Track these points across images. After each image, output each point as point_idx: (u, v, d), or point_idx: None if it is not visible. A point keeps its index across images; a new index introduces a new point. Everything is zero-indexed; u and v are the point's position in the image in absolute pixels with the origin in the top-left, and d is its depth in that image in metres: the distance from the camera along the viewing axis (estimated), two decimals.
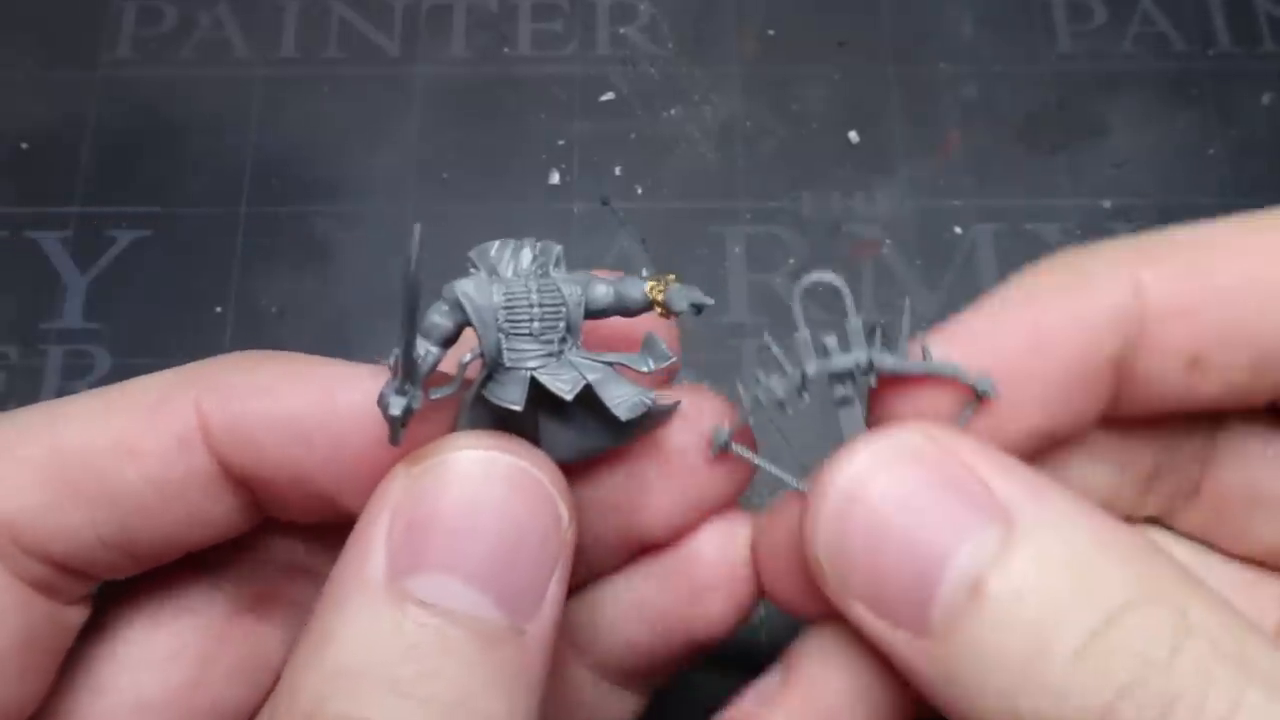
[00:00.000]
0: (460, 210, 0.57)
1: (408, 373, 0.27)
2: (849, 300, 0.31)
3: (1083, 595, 0.25)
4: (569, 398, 0.28)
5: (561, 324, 0.28)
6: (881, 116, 0.59)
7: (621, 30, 0.61)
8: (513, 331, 0.28)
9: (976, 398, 0.30)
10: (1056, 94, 0.59)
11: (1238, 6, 0.61)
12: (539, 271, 0.29)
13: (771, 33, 0.61)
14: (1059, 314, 0.29)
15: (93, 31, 0.61)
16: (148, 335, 0.54)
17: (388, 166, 0.58)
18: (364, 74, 0.60)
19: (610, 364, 0.29)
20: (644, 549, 0.34)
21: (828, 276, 0.31)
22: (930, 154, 0.58)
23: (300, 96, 0.59)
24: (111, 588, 0.33)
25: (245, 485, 0.30)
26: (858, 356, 0.30)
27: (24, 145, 0.58)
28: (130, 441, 0.29)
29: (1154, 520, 0.34)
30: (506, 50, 0.61)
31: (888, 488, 0.28)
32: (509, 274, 0.29)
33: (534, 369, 0.28)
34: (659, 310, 0.29)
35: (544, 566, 0.28)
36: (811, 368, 0.30)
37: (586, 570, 0.34)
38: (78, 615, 0.31)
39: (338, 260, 0.56)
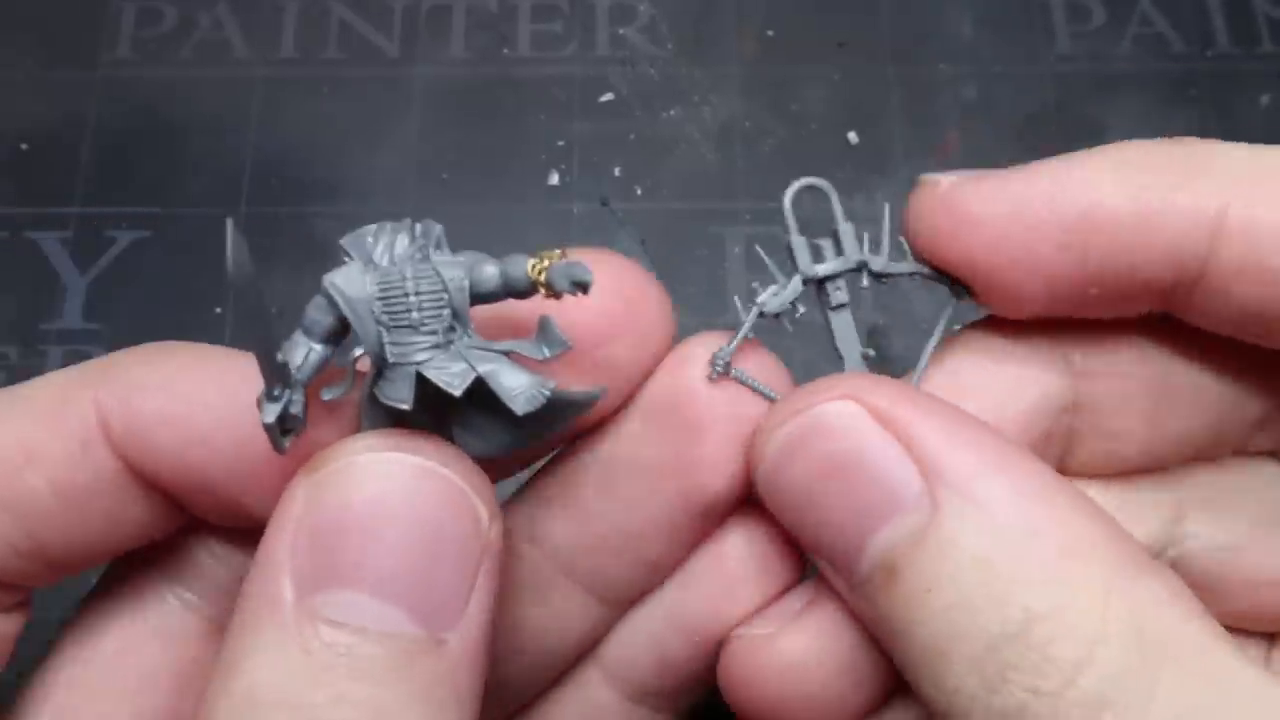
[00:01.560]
0: (460, 211, 0.57)
1: (271, 377, 0.25)
2: (837, 204, 0.31)
3: (989, 600, 0.24)
4: (457, 393, 0.25)
5: (446, 312, 0.26)
6: (881, 117, 0.59)
7: (621, 31, 0.61)
8: (393, 324, 0.26)
9: (955, 297, 0.31)
10: (1055, 95, 0.59)
11: (1237, 7, 0.61)
12: (417, 256, 0.26)
13: (771, 33, 0.61)
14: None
15: (93, 31, 0.61)
16: (148, 335, 0.53)
17: (388, 167, 0.58)
18: (364, 74, 0.60)
19: (505, 352, 0.26)
20: (711, 517, 0.32)
21: (815, 181, 0.31)
22: (930, 155, 0.58)
23: (300, 97, 0.59)
24: (80, 613, 0.31)
25: (156, 488, 0.29)
26: (852, 258, 0.30)
27: (24, 145, 0.58)
28: (31, 445, 0.27)
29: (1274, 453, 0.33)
30: (506, 51, 0.61)
31: (810, 462, 0.27)
32: (384, 261, 0.26)
33: (420, 363, 0.26)
34: (543, 292, 0.26)
35: (463, 571, 0.26)
36: (811, 271, 0.30)
37: (663, 554, 0.32)
38: (13, 625, 0.30)
39: (337, 261, 0.55)
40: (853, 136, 0.58)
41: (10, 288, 0.55)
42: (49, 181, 0.57)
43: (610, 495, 0.31)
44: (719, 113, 0.59)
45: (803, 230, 0.31)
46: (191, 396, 0.28)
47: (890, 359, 0.53)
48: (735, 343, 0.30)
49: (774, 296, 0.30)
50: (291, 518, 0.26)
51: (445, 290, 0.26)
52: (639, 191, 0.57)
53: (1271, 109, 0.59)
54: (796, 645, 0.30)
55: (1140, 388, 0.31)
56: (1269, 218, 0.27)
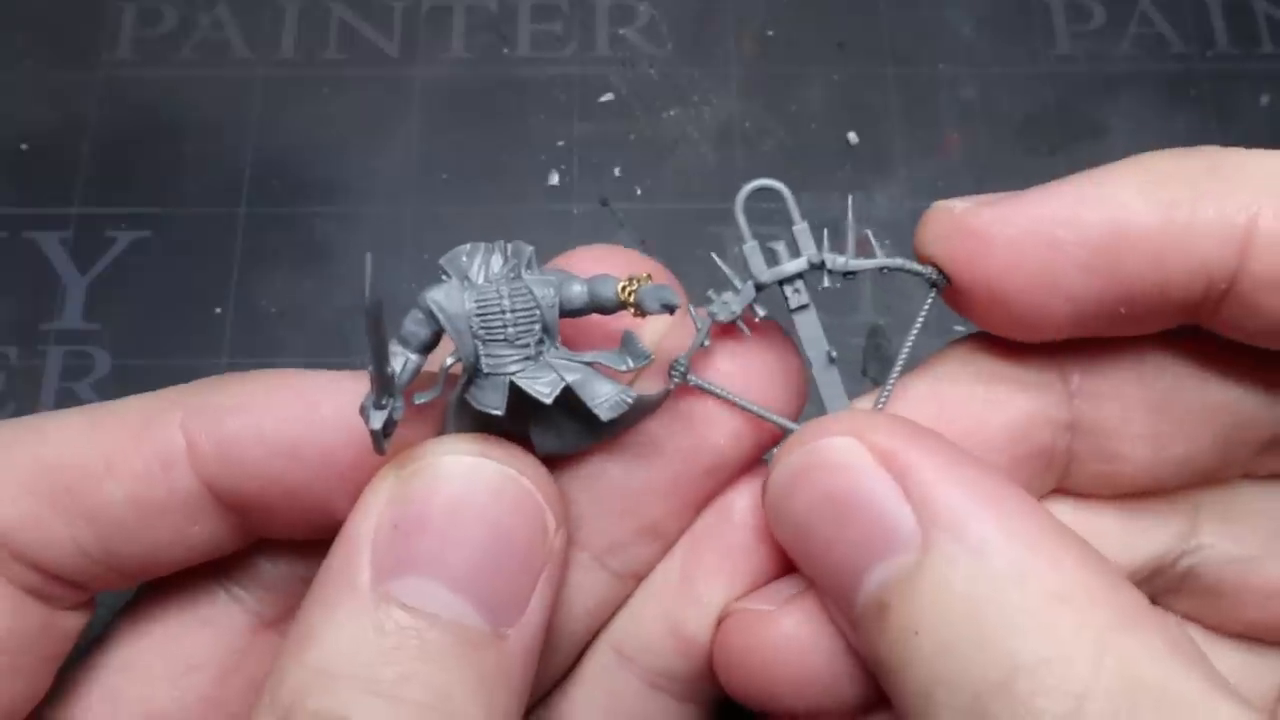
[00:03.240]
0: (460, 211, 0.57)
1: (382, 388, 0.27)
2: (792, 204, 0.31)
3: (975, 647, 0.24)
4: (548, 401, 0.28)
5: (537, 326, 0.28)
6: (881, 117, 0.59)
7: (621, 31, 0.61)
8: (488, 337, 0.28)
9: (931, 287, 0.30)
10: (1055, 95, 0.59)
11: (1237, 8, 0.61)
12: (510, 275, 0.29)
13: (771, 33, 0.61)
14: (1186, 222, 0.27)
15: (93, 31, 0.61)
16: (148, 335, 0.54)
17: (388, 167, 0.58)
18: (364, 74, 0.60)
19: (589, 363, 0.29)
20: (714, 478, 0.32)
21: (768, 182, 0.31)
22: (929, 155, 0.58)
23: (300, 97, 0.59)
24: (135, 598, 0.33)
25: (233, 506, 0.30)
26: (809, 257, 0.30)
27: (24, 145, 0.58)
28: (113, 460, 0.29)
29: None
30: (506, 51, 0.61)
31: (810, 496, 0.28)
32: (480, 279, 0.29)
33: (513, 373, 0.28)
34: (632, 311, 0.29)
35: (528, 573, 0.28)
36: (764, 275, 0.30)
37: (667, 517, 0.32)
38: (76, 621, 0.31)
39: (337, 261, 0.56)
40: (853, 136, 0.58)
41: (10, 288, 0.55)
42: (49, 181, 0.57)
43: (612, 455, 0.31)
44: (719, 113, 0.59)
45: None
46: (279, 412, 0.29)
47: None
48: (690, 353, 0.30)
49: (724, 304, 0.30)
50: (376, 507, 0.28)
51: (537, 307, 0.28)
52: (639, 191, 0.57)
53: (1271, 109, 0.59)
54: (797, 626, 0.30)
55: (1142, 410, 0.30)
56: None
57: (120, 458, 0.29)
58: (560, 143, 0.58)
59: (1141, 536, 0.32)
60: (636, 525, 0.32)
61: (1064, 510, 0.32)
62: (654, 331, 0.32)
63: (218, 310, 0.55)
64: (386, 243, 0.56)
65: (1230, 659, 0.33)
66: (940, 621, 0.24)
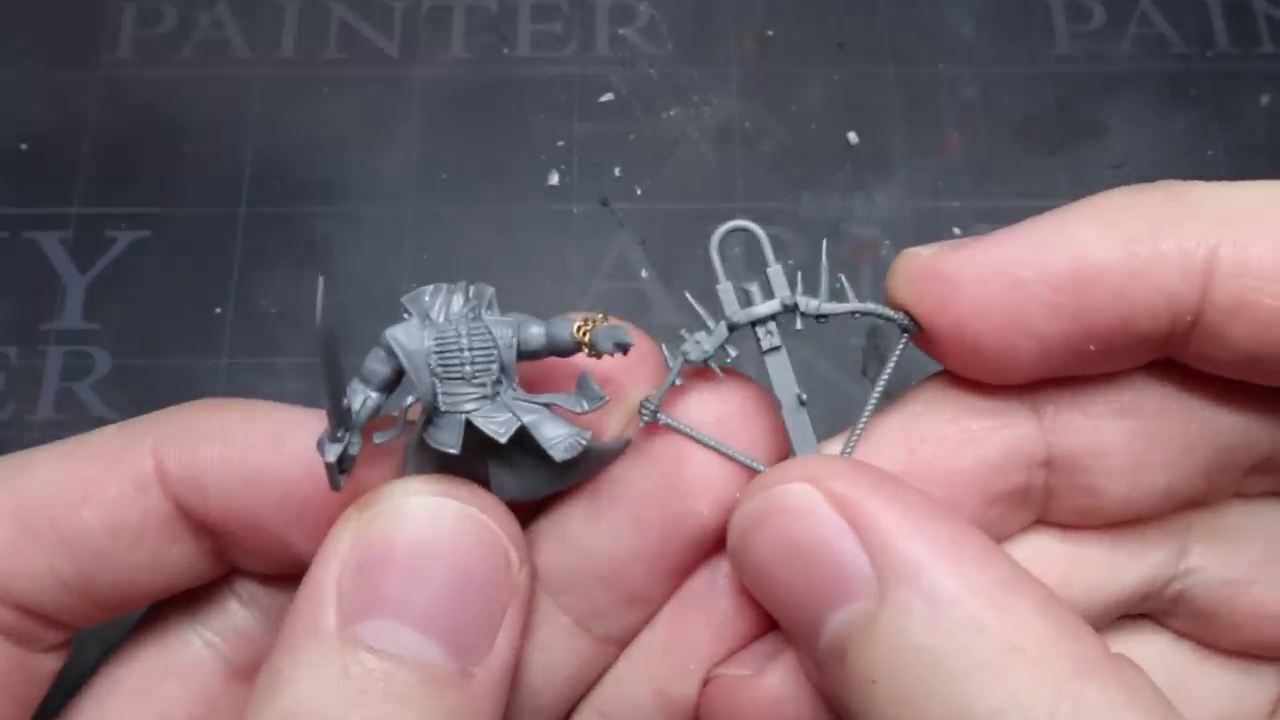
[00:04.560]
0: (460, 211, 0.57)
1: (337, 420, 0.27)
2: (767, 246, 0.31)
3: (929, 698, 0.24)
4: (503, 440, 0.28)
5: (495, 366, 0.29)
6: (881, 117, 0.59)
7: (621, 31, 0.61)
8: (446, 375, 0.28)
9: (903, 333, 0.30)
10: (1055, 95, 0.59)
11: (1237, 8, 0.61)
12: (470, 315, 0.29)
13: (771, 33, 0.61)
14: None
15: (93, 31, 0.61)
16: (147, 335, 0.54)
17: (388, 167, 0.58)
18: (364, 74, 0.60)
19: (546, 405, 0.29)
20: (698, 547, 0.32)
21: (743, 223, 0.31)
22: (929, 155, 0.58)
23: (300, 96, 0.59)
24: (107, 645, 0.33)
25: (204, 531, 0.30)
26: (782, 299, 0.30)
27: (24, 145, 0.58)
28: (88, 486, 0.29)
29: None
30: (506, 51, 0.61)
31: (770, 542, 0.28)
32: (441, 318, 0.29)
33: (469, 412, 0.28)
34: (586, 350, 0.29)
35: (493, 611, 0.28)
36: (737, 316, 0.30)
37: (651, 585, 0.32)
38: (51, 664, 0.31)
39: (337, 261, 0.56)
40: (853, 136, 0.58)
41: (10, 288, 0.55)
42: (49, 181, 0.57)
43: (596, 522, 0.31)
44: (719, 113, 0.59)
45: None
46: (245, 443, 0.30)
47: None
48: (661, 392, 0.30)
49: (697, 344, 0.30)
50: (340, 551, 0.28)
51: (495, 347, 0.29)
52: (639, 191, 0.57)
53: (1271, 109, 0.59)
54: (775, 686, 0.30)
55: (1120, 442, 0.30)
56: (1259, 257, 0.26)
57: (95, 485, 0.29)
58: (560, 143, 0.58)
59: (1129, 562, 0.32)
60: (619, 593, 0.32)
61: (1049, 540, 0.32)
62: (659, 387, 0.32)
63: (218, 310, 0.55)
64: (386, 243, 0.56)
65: (1224, 676, 0.33)
66: (897, 670, 0.25)
